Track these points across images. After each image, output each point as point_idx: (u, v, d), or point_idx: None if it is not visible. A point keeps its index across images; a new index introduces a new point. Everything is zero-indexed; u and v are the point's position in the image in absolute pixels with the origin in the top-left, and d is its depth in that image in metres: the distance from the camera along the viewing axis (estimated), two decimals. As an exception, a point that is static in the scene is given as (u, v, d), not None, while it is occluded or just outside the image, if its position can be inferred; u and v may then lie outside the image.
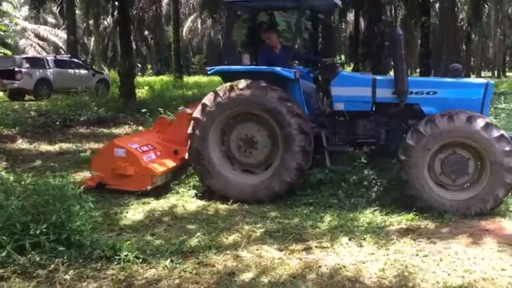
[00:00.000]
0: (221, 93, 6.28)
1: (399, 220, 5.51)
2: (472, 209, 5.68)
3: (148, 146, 6.88)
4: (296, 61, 7.06)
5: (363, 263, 4.37)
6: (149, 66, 45.66)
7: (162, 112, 10.26)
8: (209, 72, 6.80)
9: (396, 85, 6.20)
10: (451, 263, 4.36)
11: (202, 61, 46.55)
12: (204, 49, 51.66)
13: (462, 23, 32.96)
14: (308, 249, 4.69)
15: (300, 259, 4.47)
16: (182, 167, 7.13)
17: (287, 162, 6.11)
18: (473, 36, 39.64)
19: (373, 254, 4.57)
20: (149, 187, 6.39)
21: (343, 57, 41.06)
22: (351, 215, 5.64)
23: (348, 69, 31.99)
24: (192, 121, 6.42)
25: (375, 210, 5.75)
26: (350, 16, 35.48)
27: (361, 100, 6.44)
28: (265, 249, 4.68)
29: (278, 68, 6.30)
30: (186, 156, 6.68)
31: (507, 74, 47.73)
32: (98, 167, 6.69)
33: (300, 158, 6.09)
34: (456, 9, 29.76)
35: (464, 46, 34.13)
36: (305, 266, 4.30)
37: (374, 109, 6.50)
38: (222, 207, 6.07)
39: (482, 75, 44.32)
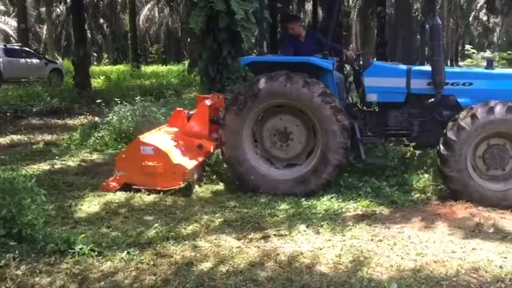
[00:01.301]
0: (259, 85, 6.03)
1: (356, 207, 5.62)
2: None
3: (172, 141, 6.62)
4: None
5: (320, 249, 4.44)
6: (105, 55, 44.51)
7: (119, 102, 10.02)
8: (243, 63, 6.68)
9: (434, 76, 6.14)
10: (404, 247, 4.49)
11: (160, 50, 45.77)
12: (162, 38, 50.83)
13: (417, 13, 33.70)
14: (266, 238, 4.71)
15: (259, 247, 4.49)
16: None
17: (327, 159, 5.95)
18: (427, 26, 40.59)
19: (330, 240, 4.65)
20: (182, 184, 6.15)
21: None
22: (309, 203, 5.70)
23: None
24: (225, 113, 6.23)
25: (332, 197, 5.84)
26: (309, 6, 35.60)
27: (395, 91, 6.33)
28: (224, 239, 4.68)
29: (316, 58, 6.21)
30: (211, 149, 6.68)
31: (459, 63, 49.22)
32: (123, 167, 6.32)
33: (340, 154, 5.94)
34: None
35: (418, 36, 34.90)
36: (263, 254, 4.32)
37: (407, 100, 6.40)
38: (180, 198, 6.00)
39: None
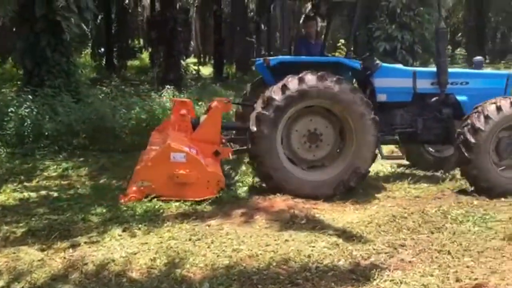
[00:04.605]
0: (290, 86, 5.83)
1: (178, 206, 5.46)
2: None
3: (192, 148, 5.92)
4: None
5: (134, 254, 4.18)
6: None
7: None
8: (272, 63, 6.30)
9: (439, 76, 6.62)
10: (221, 244, 4.45)
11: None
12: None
13: (252, 13, 35.01)
14: (75, 246, 4.32)
15: (65, 258, 4.08)
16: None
17: (363, 154, 5.97)
18: (262, 26, 42.51)
19: (146, 243, 4.41)
20: (216, 194, 5.65)
21: (141, 41, 40.10)
22: (128, 205, 5.39)
23: (145, 54, 31.47)
24: (255, 118, 5.89)
25: (152, 198, 5.61)
26: (147, 0, 34.74)
27: (403, 91, 6.72)
28: (24, 251, 4.16)
29: (345, 59, 6.32)
30: (230, 156, 6.38)
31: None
32: (147, 176, 5.57)
33: (374, 147, 6.02)
34: (246, 0, 31.52)
35: (254, 36, 36.34)
36: (68, 265, 3.92)
37: (413, 99, 6.76)
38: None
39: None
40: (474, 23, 37.13)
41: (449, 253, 4.22)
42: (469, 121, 6.14)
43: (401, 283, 3.70)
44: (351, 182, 6.02)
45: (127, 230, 4.72)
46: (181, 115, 6.76)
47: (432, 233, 4.74)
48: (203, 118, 6.72)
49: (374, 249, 4.32)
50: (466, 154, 6.05)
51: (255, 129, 5.90)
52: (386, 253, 4.26)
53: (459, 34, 53.59)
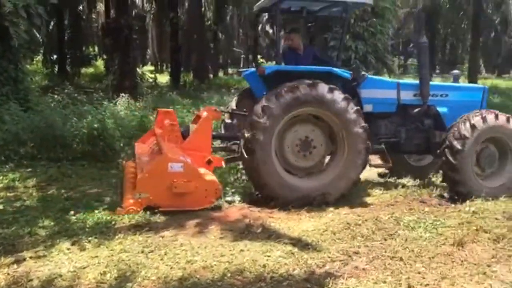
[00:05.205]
0: (284, 94, 5.94)
1: (130, 217, 5.30)
2: (502, 195, 6.32)
3: (186, 157, 5.85)
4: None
5: (83, 268, 4.03)
6: None
7: None
8: (266, 72, 6.31)
9: (422, 88, 6.90)
10: (175, 255, 4.35)
11: None
12: None
13: (209, 22, 34.97)
14: (20, 261, 4.11)
15: (8, 273, 3.88)
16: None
17: (354, 161, 6.14)
18: (220, 35, 42.55)
19: (96, 257, 4.25)
20: (214, 202, 5.73)
21: (96, 48, 39.28)
22: (76, 217, 5.20)
23: (100, 61, 30.82)
24: (251, 125, 5.95)
25: (105, 209, 5.44)
26: (101, 6, 34.11)
27: (388, 102, 6.94)
28: (-37, 269, 3.92)
29: (337, 69, 6.41)
30: (223, 165, 6.33)
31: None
32: (145, 188, 5.49)
33: (365, 155, 6.18)
34: (203, 8, 31.47)
35: (212, 44, 36.26)
36: (12, 282, 3.74)
37: (397, 110, 6.99)
38: None
39: (230, 71, 48.16)
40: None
41: (401, 259, 4.28)
42: (455, 128, 6.45)
43: (355, 291, 3.72)
44: (343, 189, 6.18)
45: (76, 243, 4.55)
46: (170, 124, 6.87)
47: (385, 239, 4.80)
48: (192, 127, 6.71)
49: (329, 257, 4.34)
50: (450, 159, 6.34)
51: (250, 136, 5.95)
52: (340, 260, 4.28)
53: (411, 45, 55.36)
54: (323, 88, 6.04)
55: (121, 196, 5.97)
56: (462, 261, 4.27)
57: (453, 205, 6.06)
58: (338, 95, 6.07)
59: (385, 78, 7.62)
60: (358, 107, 6.21)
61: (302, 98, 6.00)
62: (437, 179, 7.52)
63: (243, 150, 6.04)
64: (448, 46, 46.35)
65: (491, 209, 5.73)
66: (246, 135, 5.99)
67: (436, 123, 7.11)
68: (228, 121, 7.17)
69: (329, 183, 6.17)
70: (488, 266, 4.19)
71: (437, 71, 45.08)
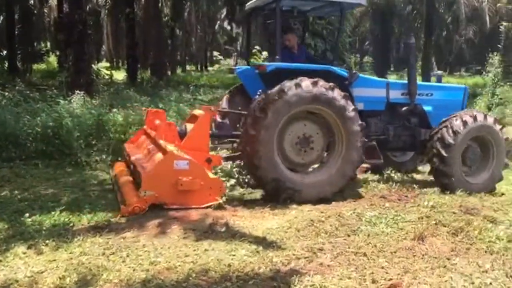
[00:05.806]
0: (287, 91, 5.98)
1: (89, 218, 5.15)
2: (487, 189, 6.95)
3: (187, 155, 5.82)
4: None
5: (41, 273, 3.86)
6: None
7: None
8: (268, 69, 6.34)
9: (409, 87, 7.21)
10: (137, 257, 4.24)
11: None
12: None
13: (167, 18, 34.47)
14: (-29, 268, 3.90)
15: (-43, 282, 3.67)
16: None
17: (351, 158, 6.26)
18: (177, 31, 42.07)
19: (54, 261, 4.09)
20: (219, 200, 5.71)
21: (48, 44, 37.96)
22: (32, 219, 5.00)
23: (53, 57, 29.83)
24: (253, 122, 6.02)
25: (62, 210, 5.24)
26: (54, 1, 32.99)
27: (378, 100, 7.16)
28: None
29: (335, 67, 6.59)
30: (221, 163, 6.38)
31: (209, 68, 52.56)
32: (150, 186, 5.47)
33: (361, 152, 6.32)
34: (160, 4, 30.97)
35: (170, 41, 35.78)
36: (-36, 290, 3.53)
37: (386, 108, 7.21)
38: None
39: (188, 68, 47.67)
40: (380, 33, 39.40)
41: (365, 255, 4.34)
42: (448, 123, 6.87)
43: (320, 287, 3.73)
44: (340, 185, 6.31)
45: (32, 247, 4.36)
46: (168, 124, 6.87)
47: (349, 235, 4.85)
48: (189, 126, 6.68)
49: (294, 255, 4.33)
50: (442, 151, 6.76)
51: (253, 133, 5.99)
52: (305, 258, 4.28)
53: (367, 43, 56.52)
54: (325, 86, 6.16)
55: (118, 196, 5.94)
56: (423, 255, 4.37)
57: (412, 200, 6.20)
58: (338, 93, 6.21)
59: (376, 77, 7.81)
60: (355, 106, 6.35)
61: (305, 96, 6.09)
62: (396, 174, 7.72)
63: (246, 148, 6.11)
64: (402, 44, 47.56)
65: (448, 204, 5.92)
66: (248, 131, 6.05)
67: (421, 121, 7.47)
68: (220, 120, 7.15)
69: (326, 179, 6.28)
70: (448, 259, 4.31)
71: (391, 68, 46.25)
